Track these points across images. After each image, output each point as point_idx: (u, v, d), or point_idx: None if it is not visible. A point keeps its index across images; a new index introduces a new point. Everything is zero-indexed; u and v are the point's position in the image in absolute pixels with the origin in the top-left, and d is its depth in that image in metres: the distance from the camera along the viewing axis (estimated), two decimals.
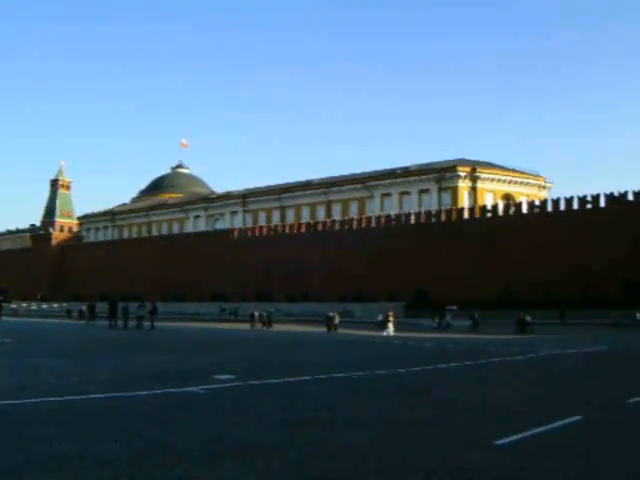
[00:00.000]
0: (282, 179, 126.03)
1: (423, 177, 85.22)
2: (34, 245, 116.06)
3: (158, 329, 39.06)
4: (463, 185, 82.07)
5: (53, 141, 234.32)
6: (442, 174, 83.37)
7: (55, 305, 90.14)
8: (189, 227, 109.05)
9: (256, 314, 47.31)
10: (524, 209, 65.59)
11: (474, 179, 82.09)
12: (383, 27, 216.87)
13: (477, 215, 67.25)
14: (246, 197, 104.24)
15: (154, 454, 7.15)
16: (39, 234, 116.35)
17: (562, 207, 61.85)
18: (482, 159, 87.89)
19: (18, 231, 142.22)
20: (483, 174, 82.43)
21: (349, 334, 36.60)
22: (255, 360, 19.85)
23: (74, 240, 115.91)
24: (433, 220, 69.56)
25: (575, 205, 60.99)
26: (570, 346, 26.04)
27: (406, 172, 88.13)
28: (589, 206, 60.27)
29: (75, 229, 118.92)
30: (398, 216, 73.51)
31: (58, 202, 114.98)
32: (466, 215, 68.03)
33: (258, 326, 45.41)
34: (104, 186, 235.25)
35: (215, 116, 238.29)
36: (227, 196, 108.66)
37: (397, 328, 38.38)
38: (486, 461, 7.01)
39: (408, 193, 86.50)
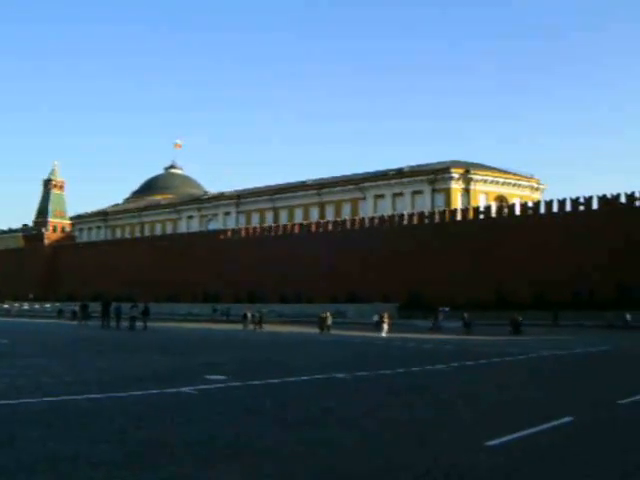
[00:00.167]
0: (275, 180, 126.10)
1: (416, 178, 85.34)
2: (27, 245, 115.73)
3: (150, 329, 39.03)
4: (456, 186, 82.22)
5: (46, 141, 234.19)
6: (435, 175, 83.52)
7: (47, 305, 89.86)
8: (182, 227, 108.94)
9: (249, 314, 47.31)
10: (517, 211, 65.76)
11: (467, 180, 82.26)
12: (377, 27, 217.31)
13: (470, 216, 67.35)
14: (239, 198, 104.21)
15: (146, 455, 7.15)
16: (32, 234, 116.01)
17: (555, 209, 62.05)
18: (475, 161, 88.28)
19: (10, 231, 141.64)
20: (476, 176, 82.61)
21: (342, 335, 36.56)
22: (247, 361, 19.85)
23: (67, 240, 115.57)
24: (426, 221, 69.65)
25: (568, 207, 61.18)
26: (563, 347, 26.10)
27: (399, 173, 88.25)
28: (582, 208, 60.46)
29: (68, 229, 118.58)
30: (391, 217, 73.59)
31: (51, 202, 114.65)
32: (459, 216, 68.15)
33: (250, 327, 45.39)
34: (97, 186, 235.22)
35: (208, 117, 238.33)
36: (220, 197, 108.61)
37: (391, 329, 38.37)
38: (479, 462, 7.03)
39: (401, 194, 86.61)
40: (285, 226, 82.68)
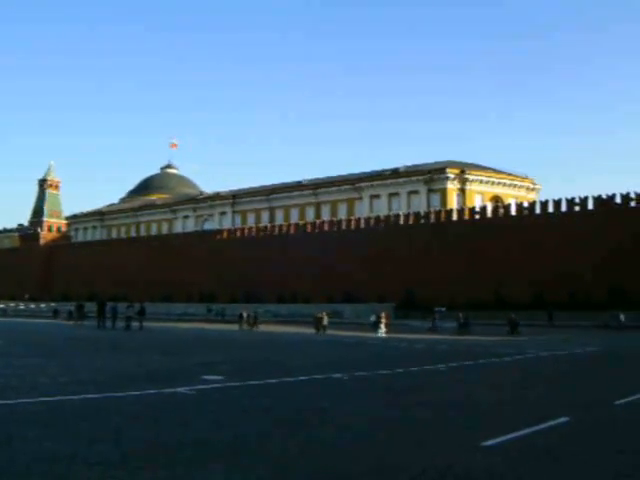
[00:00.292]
0: (271, 180, 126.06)
1: (412, 178, 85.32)
2: (22, 245, 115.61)
3: (146, 330, 39.01)
4: (452, 187, 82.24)
5: (42, 141, 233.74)
6: (431, 176, 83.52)
7: (43, 305, 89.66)
8: (178, 227, 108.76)
9: (245, 315, 47.29)
10: (513, 211, 65.85)
11: (463, 181, 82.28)
12: (372, 27, 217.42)
13: (466, 217, 67.44)
14: (235, 198, 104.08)
15: (142, 455, 7.14)
16: (27, 234, 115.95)
17: (551, 209, 62.15)
18: (471, 161, 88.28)
19: (6, 231, 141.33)
20: (472, 176, 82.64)
21: (338, 335, 36.55)
22: (243, 361, 19.85)
23: (62, 240, 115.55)
24: (422, 222, 69.71)
25: (563, 207, 61.31)
26: (559, 347, 26.16)
27: (395, 173, 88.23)
28: (577, 208, 60.58)
29: (64, 229, 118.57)
30: (387, 217, 73.63)
31: (47, 202, 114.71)
32: (455, 217, 68.23)
33: (246, 327, 45.39)
34: (93, 186, 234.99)
35: (204, 117, 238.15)
36: (216, 197, 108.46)
37: (389, 329, 38.40)
38: (475, 462, 7.03)
39: (397, 194, 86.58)
40: (281, 226, 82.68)
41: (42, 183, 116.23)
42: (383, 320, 38.42)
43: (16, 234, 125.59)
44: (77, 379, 14.13)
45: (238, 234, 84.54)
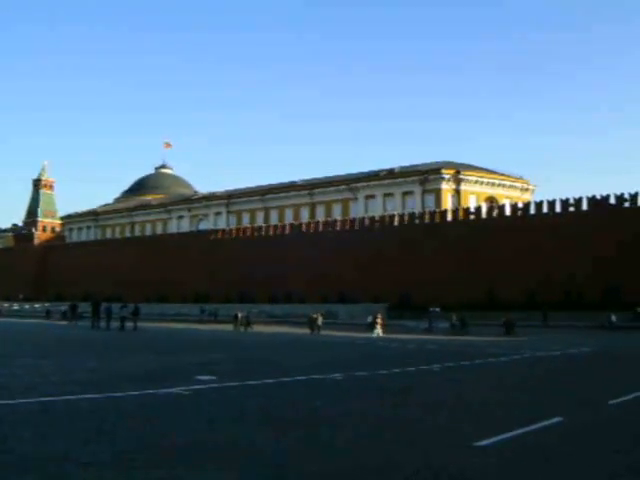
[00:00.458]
0: (266, 180, 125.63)
1: (407, 179, 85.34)
2: (17, 245, 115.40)
3: (141, 330, 38.97)
4: (447, 187, 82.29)
5: (36, 141, 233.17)
6: (426, 176, 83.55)
7: (37, 305, 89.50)
8: (172, 228, 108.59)
9: (239, 315, 47.22)
10: (507, 212, 65.93)
11: (458, 181, 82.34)
12: (369, 27, 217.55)
13: (460, 217, 67.50)
14: (230, 198, 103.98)
15: (137, 455, 7.12)
16: (22, 234, 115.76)
17: (545, 210, 62.26)
18: (467, 161, 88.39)
19: (0, 231, 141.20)
20: (467, 176, 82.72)
21: (332, 335, 36.58)
22: (238, 361, 19.83)
23: (57, 240, 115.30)
24: (417, 222, 69.76)
25: (558, 208, 61.42)
26: (554, 348, 26.21)
27: (390, 174, 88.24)
28: (572, 209, 60.70)
29: (58, 229, 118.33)
30: (382, 218, 73.67)
31: (41, 202, 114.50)
32: (449, 217, 68.30)
33: (241, 327, 45.33)
34: (87, 186, 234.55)
35: (199, 117, 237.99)
36: (211, 197, 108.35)
37: (385, 330, 38.42)
38: (469, 462, 7.05)
39: (392, 195, 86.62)
40: (276, 226, 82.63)
41: (36, 183, 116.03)
42: (379, 321, 38.46)
43: (10, 234, 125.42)
44: (71, 379, 14.10)
45: (233, 234, 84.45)
